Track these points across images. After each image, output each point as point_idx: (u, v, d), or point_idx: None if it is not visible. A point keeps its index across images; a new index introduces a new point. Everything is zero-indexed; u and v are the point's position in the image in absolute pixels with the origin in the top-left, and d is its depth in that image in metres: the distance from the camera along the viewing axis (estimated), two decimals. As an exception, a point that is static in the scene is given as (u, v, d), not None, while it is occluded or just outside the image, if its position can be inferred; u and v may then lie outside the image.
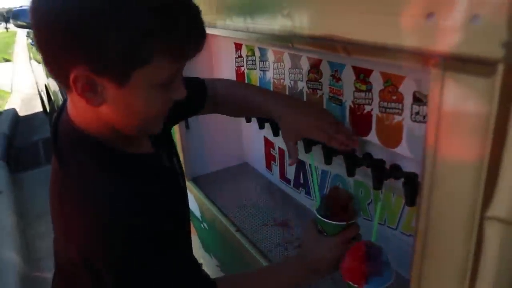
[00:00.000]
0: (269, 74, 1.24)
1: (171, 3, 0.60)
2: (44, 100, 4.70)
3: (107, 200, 0.67)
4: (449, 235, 0.50)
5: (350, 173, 0.99)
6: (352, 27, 0.58)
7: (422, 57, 0.48)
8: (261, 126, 1.33)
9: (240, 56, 1.37)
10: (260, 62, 1.27)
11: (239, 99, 1.03)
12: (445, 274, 0.52)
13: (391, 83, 0.82)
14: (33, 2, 0.61)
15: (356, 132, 0.94)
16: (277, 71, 1.19)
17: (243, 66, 1.37)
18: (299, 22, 0.70)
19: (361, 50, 0.58)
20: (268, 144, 1.50)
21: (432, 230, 0.52)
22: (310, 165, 1.18)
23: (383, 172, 0.90)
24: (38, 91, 5.12)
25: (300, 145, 1.04)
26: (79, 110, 0.70)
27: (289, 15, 0.72)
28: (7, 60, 10.21)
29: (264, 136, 1.50)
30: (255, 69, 1.31)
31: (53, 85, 3.36)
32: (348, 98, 0.94)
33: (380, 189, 0.93)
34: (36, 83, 5.13)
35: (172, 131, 1.09)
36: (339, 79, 0.96)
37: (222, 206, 1.40)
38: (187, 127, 1.53)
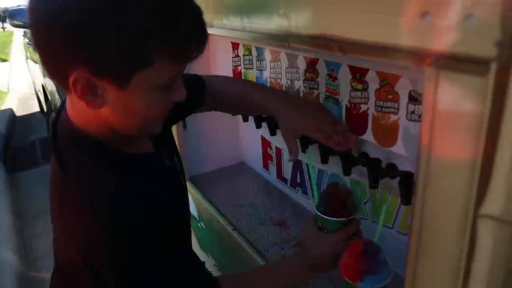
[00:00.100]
0: (266, 74, 1.24)
1: (173, 4, 0.59)
2: (41, 100, 4.69)
3: (107, 200, 0.66)
4: (443, 233, 0.50)
5: (346, 172, 0.99)
6: (347, 26, 0.58)
7: (417, 56, 0.49)
8: (258, 126, 1.33)
9: (237, 56, 1.38)
10: (257, 62, 1.27)
11: (237, 96, 1.02)
12: (439, 271, 0.52)
13: (387, 82, 0.82)
14: (32, 2, 0.60)
15: (352, 131, 0.94)
16: (274, 70, 1.20)
17: (240, 65, 1.37)
18: (295, 21, 0.70)
19: (357, 49, 0.58)
20: (265, 143, 1.50)
21: (426, 228, 0.52)
22: (307, 163, 1.19)
23: (379, 171, 0.90)
24: (35, 90, 5.11)
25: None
26: (78, 111, 0.69)
27: (285, 14, 0.72)
28: (3, 60, 10.18)
29: (261, 136, 1.50)
30: (252, 68, 1.31)
31: (50, 85, 3.36)
32: (344, 97, 0.95)
33: (376, 188, 0.93)
34: (33, 83, 5.12)
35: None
36: (335, 78, 0.96)
37: (219, 206, 1.40)
38: (185, 126, 1.53)
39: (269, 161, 1.52)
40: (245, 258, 1.18)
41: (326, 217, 0.85)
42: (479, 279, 0.48)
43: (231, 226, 1.28)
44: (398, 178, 0.86)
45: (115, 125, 0.69)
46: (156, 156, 0.82)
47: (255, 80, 1.31)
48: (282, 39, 0.76)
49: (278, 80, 1.18)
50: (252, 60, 1.30)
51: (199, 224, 1.53)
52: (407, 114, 0.79)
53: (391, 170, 0.89)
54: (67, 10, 0.57)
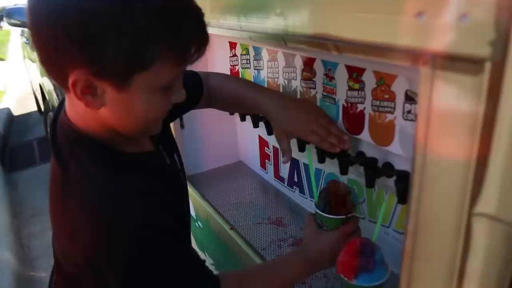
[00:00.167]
0: (264, 73, 1.24)
1: (174, 6, 0.59)
2: (38, 99, 4.68)
3: (110, 200, 0.66)
4: (439, 231, 0.50)
5: (343, 171, 1.00)
6: (343, 25, 0.59)
7: (412, 55, 0.49)
8: (256, 125, 1.33)
9: (235, 55, 1.38)
10: (255, 61, 1.28)
11: (232, 94, 1.02)
12: (434, 269, 0.52)
13: (384, 82, 0.82)
14: (31, 1, 0.60)
15: (349, 131, 0.95)
16: (271, 70, 1.20)
17: (237, 64, 1.38)
18: (292, 20, 0.71)
19: (352, 48, 0.58)
20: (262, 142, 1.50)
21: (422, 226, 0.52)
22: (307, 159, 1.19)
23: (375, 170, 0.91)
24: (33, 90, 5.09)
25: (294, 144, 1.05)
26: (77, 111, 0.69)
27: (281, 13, 0.73)
28: (0, 59, 10.15)
29: (259, 135, 1.50)
30: (250, 68, 1.31)
31: (48, 84, 3.35)
32: (341, 96, 0.95)
33: (372, 187, 0.94)
34: (31, 82, 5.11)
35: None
36: (332, 78, 0.96)
37: (216, 205, 1.41)
38: (182, 126, 1.53)
39: (267, 160, 1.52)
40: (242, 257, 1.18)
41: (325, 214, 0.86)
42: (473, 277, 0.48)
43: (228, 225, 1.28)
44: (394, 177, 0.86)
45: (115, 125, 0.68)
46: (156, 155, 0.82)
47: (252, 80, 1.31)
48: (279, 39, 0.76)
49: (276, 79, 1.19)
50: (249, 59, 1.30)
51: (196, 223, 1.53)
52: (403, 113, 0.80)
53: (388, 169, 0.89)
54: (67, 11, 0.56)
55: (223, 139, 1.65)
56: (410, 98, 0.77)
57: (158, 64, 0.60)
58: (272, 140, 1.43)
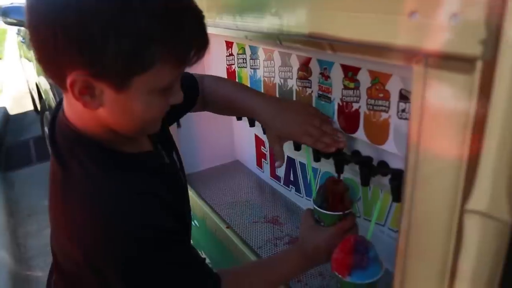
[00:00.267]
0: (260, 72, 1.25)
1: (175, 9, 0.59)
2: (35, 99, 4.66)
3: (109, 201, 0.66)
4: (431, 229, 0.51)
5: (339, 170, 1.00)
6: (337, 25, 0.59)
7: (405, 54, 0.49)
8: (252, 124, 1.34)
9: (231, 54, 1.38)
10: (251, 60, 1.28)
11: (226, 98, 1.02)
12: (427, 267, 0.53)
13: (379, 80, 0.83)
14: (30, 1, 0.59)
15: (345, 129, 0.95)
16: (268, 69, 1.20)
17: (234, 64, 1.38)
18: (286, 20, 0.71)
19: (346, 47, 0.59)
20: (259, 142, 1.51)
21: (414, 224, 0.53)
22: (302, 158, 1.19)
23: (370, 169, 0.91)
24: (29, 89, 5.07)
25: (290, 143, 1.05)
26: (75, 111, 0.69)
27: (276, 13, 0.73)
28: (-3, 58, 10.10)
29: (255, 134, 1.51)
30: (246, 67, 1.32)
31: (44, 83, 3.34)
32: (336, 95, 0.95)
33: (368, 186, 0.94)
34: (27, 81, 5.09)
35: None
36: (328, 77, 0.97)
37: (212, 204, 1.41)
38: (178, 125, 1.54)
39: (263, 159, 1.52)
40: (239, 255, 1.19)
41: (322, 210, 0.88)
42: (465, 274, 0.49)
43: (224, 223, 1.29)
44: (389, 176, 0.87)
45: (113, 125, 0.68)
46: (155, 155, 0.82)
47: (248, 79, 1.31)
48: (274, 38, 0.77)
49: (272, 78, 1.19)
50: (246, 58, 1.31)
51: (192, 222, 1.53)
52: (398, 112, 0.80)
53: (383, 167, 0.90)
54: (66, 11, 0.56)
55: (219, 138, 1.66)
56: (404, 97, 0.78)
57: (158, 66, 0.60)
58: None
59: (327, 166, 1.15)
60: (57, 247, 0.79)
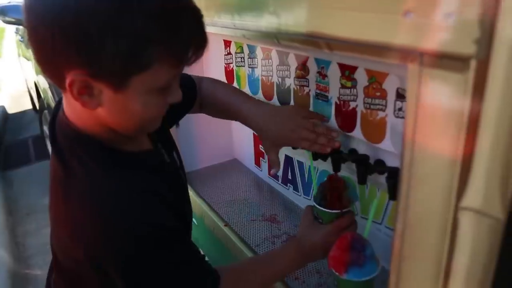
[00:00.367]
0: (258, 71, 1.25)
1: (173, 8, 0.58)
2: (33, 98, 4.66)
3: (109, 199, 0.66)
4: (426, 227, 0.51)
5: (336, 169, 1.00)
6: (333, 24, 0.60)
7: (400, 53, 0.50)
8: (250, 123, 1.34)
9: (229, 53, 1.38)
10: (249, 59, 1.28)
11: (221, 103, 1.02)
12: (422, 264, 0.53)
13: (375, 79, 0.83)
14: (28, 0, 0.59)
15: (342, 128, 0.96)
16: (266, 68, 1.21)
17: (232, 63, 1.38)
18: (284, 19, 0.71)
19: (343, 46, 0.59)
20: (257, 140, 1.51)
21: (409, 222, 0.54)
22: (301, 156, 1.20)
23: (367, 167, 0.92)
24: (28, 88, 5.07)
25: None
26: (74, 110, 0.69)
27: (274, 12, 0.73)
28: (-4, 57, 10.08)
29: (253, 133, 1.51)
30: (244, 66, 1.32)
31: (43, 82, 3.33)
32: (334, 94, 0.96)
33: (364, 184, 0.95)
34: (25, 80, 5.08)
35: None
36: (325, 76, 0.97)
37: (211, 202, 1.41)
38: (177, 124, 1.54)
39: (261, 158, 1.53)
40: (237, 253, 1.19)
41: (321, 208, 0.88)
42: (460, 270, 0.49)
43: (222, 222, 1.29)
44: (386, 174, 0.87)
45: (112, 124, 0.68)
46: (155, 153, 0.82)
47: (246, 78, 1.32)
48: (272, 37, 0.77)
49: (269, 77, 1.19)
50: (244, 57, 1.31)
51: (191, 221, 1.54)
52: (394, 111, 0.81)
53: (379, 166, 0.91)
54: (65, 12, 0.56)
55: (218, 137, 1.66)
56: (401, 95, 0.78)
57: (156, 66, 0.60)
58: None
59: (324, 165, 1.15)
60: (57, 246, 0.79)
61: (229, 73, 1.41)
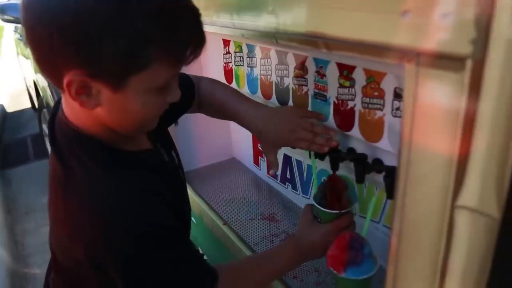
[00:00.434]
0: (257, 71, 1.25)
1: (171, 8, 0.58)
2: (32, 96, 4.65)
3: (109, 199, 0.67)
4: (423, 225, 0.52)
5: (334, 168, 1.01)
6: (332, 24, 0.60)
7: (398, 53, 0.50)
8: (249, 122, 1.34)
9: (228, 53, 1.39)
10: (248, 59, 1.29)
11: (219, 105, 1.02)
12: (418, 260, 0.54)
13: (373, 79, 0.84)
14: None
15: (340, 127, 0.96)
16: (264, 67, 1.21)
17: (231, 62, 1.38)
18: (283, 19, 0.72)
19: (342, 46, 0.60)
20: (255, 139, 1.51)
21: (406, 221, 0.54)
22: (302, 156, 1.20)
23: (365, 166, 0.92)
24: (26, 86, 5.06)
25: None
26: (73, 110, 0.69)
27: (273, 12, 0.74)
28: (-6, 56, 10.06)
29: (252, 132, 1.51)
30: (243, 65, 1.32)
31: (42, 81, 3.33)
32: (332, 94, 0.96)
33: (362, 183, 0.95)
34: (24, 79, 5.08)
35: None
36: (323, 76, 0.98)
37: (210, 201, 1.42)
38: (176, 123, 1.54)
39: (260, 157, 1.53)
40: (235, 252, 1.20)
41: (319, 207, 0.89)
42: (456, 269, 0.50)
43: (221, 220, 1.29)
44: (384, 173, 0.88)
45: (110, 124, 0.69)
46: (154, 153, 0.82)
47: (245, 77, 1.32)
48: (271, 36, 0.77)
49: (268, 77, 1.20)
50: (243, 57, 1.31)
51: (190, 220, 1.54)
52: (392, 110, 0.81)
53: (377, 165, 0.91)
54: (63, 11, 0.55)
55: (216, 136, 1.66)
56: (399, 95, 0.79)
57: (155, 66, 0.60)
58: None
59: (322, 164, 1.15)
60: (56, 245, 0.79)
61: (228, 72, 1.41)
